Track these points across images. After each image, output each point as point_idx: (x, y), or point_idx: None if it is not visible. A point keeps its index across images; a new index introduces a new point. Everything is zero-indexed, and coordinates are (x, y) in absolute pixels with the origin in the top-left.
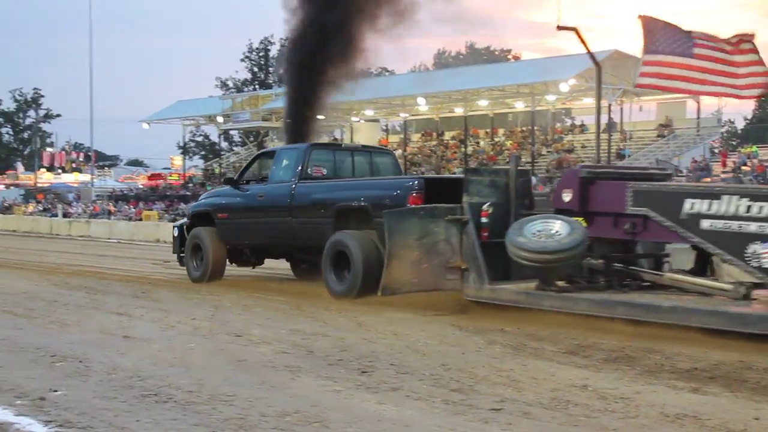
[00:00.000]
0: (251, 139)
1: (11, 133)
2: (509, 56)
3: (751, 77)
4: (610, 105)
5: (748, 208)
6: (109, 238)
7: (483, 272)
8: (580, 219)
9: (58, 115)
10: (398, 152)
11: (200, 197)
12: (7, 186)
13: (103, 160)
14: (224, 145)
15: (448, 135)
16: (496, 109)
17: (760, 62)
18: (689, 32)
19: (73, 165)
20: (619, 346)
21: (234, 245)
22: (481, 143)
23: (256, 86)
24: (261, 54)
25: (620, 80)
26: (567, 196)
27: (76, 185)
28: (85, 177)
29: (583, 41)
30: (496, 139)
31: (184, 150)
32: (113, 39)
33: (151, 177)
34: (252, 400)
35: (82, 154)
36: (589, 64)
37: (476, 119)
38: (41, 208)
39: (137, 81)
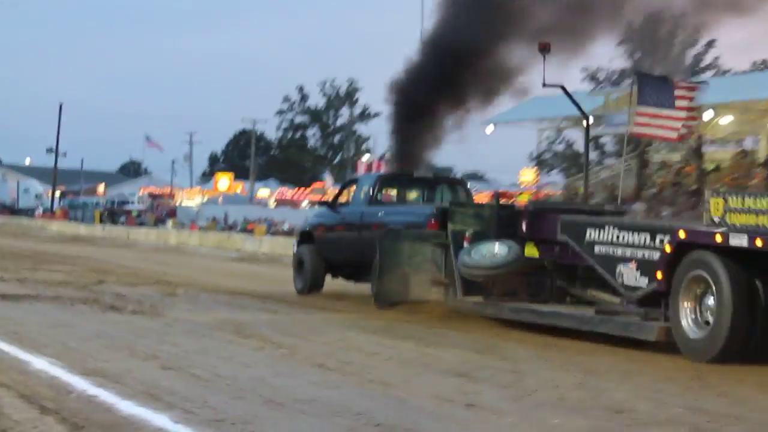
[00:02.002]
0: (630, 147)
1: (318, 135)
2: None
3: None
4: None
5: (617, 236)
6: None
7: (458, 288)
8: (532, 244)
9: (377, 114)
10: None
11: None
12: (313, 203)
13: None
14: (593, 155)
15: None
16: None
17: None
18: (673, 82)
19: None
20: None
21: (329, 260)
22: None
23: None
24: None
25: None
26: (523, 226)
27: None
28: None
29: (570, 97)
30: None
31: (539, 161)
32: None
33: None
34: None
35: None
36: None
37: None
38: None
39: None
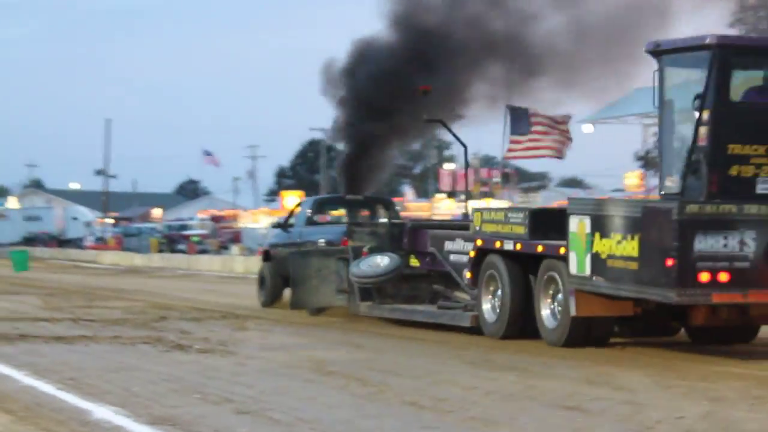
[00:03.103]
0: None
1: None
2: None
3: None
4: None
5: (463, 246)
6: None
7: (356, 295)
8: (413, 256)
9: (462, 116)
10: None
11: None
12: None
13: (527, 180)
14: None
15: None
16: None
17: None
18: (532, 114)
19: (484, 188)
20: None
21: (284, 276)
22: None
23: None
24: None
25: None
26: (405, 240)
27: None
28: (502, 204)
29: (450, 131)
30: None
31: (646, 162)
32: None
33: None
34: None
35: (496, 172)
36: None
37: None
38: None
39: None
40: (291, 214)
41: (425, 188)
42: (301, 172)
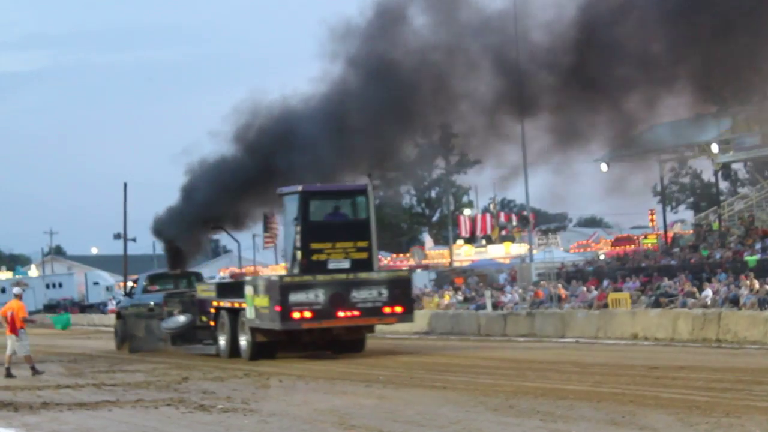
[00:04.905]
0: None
1: (413, 192)
2: None
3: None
4: None
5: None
6: (562, 336)
7: (168, 341)
8: (203, 314)
9: (477, 162)
10: None
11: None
12: (412, 268)
13: (546, 222)
14: (724, 186)
15: None
16: None
17: None
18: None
19: (503, 232)
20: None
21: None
22: None
23: None
24: None
25: None
26: (196, 304)
27: (508, 262)
28: (521, 248)
29: (231, 236)
30: None
31: (663, 198)
32: None
33: (617, 242)
34: None
35: (514, 216)
36: None
37: None
38: (461, 298)
39: None
40: (134, 284)
41: (445, 235)
42: None
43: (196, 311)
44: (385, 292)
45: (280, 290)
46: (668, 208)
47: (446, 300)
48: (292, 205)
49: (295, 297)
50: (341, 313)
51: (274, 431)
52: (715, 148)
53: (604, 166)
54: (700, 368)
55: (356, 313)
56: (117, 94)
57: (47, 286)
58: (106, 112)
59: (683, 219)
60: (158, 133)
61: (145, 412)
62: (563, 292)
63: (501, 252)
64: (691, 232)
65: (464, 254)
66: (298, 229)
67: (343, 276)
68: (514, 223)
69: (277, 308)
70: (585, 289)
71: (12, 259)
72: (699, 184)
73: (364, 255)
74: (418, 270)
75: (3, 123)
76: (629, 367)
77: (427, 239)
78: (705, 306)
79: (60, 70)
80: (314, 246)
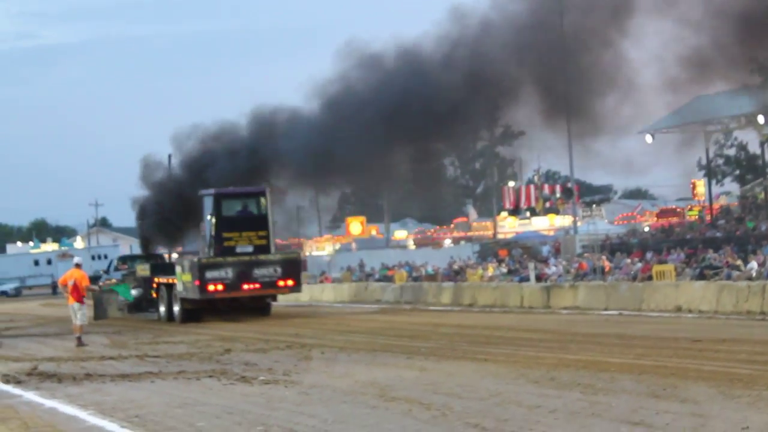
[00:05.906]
0: None
1: (457, 164)
2: None
3: None
4: None
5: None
6: (605, 309)
7: (126, 309)
8: (153, 288)
9: (522, 133)
10: None
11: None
12: (455, 240)
13: (590, 194)
14: None
15: None
16: None
17: None
18: None
19: (547, 204)
20: None
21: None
22: None
23: None
24: None
25: None
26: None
27: (552, 234)
28: (565, 220)
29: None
30: None
31: (709, 170)
32: None
33: (662, 213)
34: None
35: (559, 188)
36: None
37: None
38: (505, 270)
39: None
40: (110, 264)
41: (488, 207)
42: (362, 196)
43: (149, 287)
44: (279, 269)
45: (199, 269)
46: (713, 181)
47: (490, 272)
48: (209, 204)
49: (210, 274)
50: (246, 286)
51: (315, 403)
52: (761, 119)
53: (648, 138)
54: (742, 341)
55: (257, 285)
56: (161, 67)
57: (92, 258)
58: (149, 85)
59: (728, 191)
60: (204, 106)
61: (187, 384)
62: (607, 265)
63: (545, 224)
64: (737, 204)
65: (508, 226)
66: (213, 222)
67: (247, 257)
68: (558, 195)
69: (197, 282)
70: (629, 261)
71: (58, 231)
72: (744, 155)
73: (263, 242)
74: (462, 242)
75: (47, 95)
76: (672, 339)
77: (471, 211)
78: (750, 278)
79: (103, 43)
80: (225, 235)
